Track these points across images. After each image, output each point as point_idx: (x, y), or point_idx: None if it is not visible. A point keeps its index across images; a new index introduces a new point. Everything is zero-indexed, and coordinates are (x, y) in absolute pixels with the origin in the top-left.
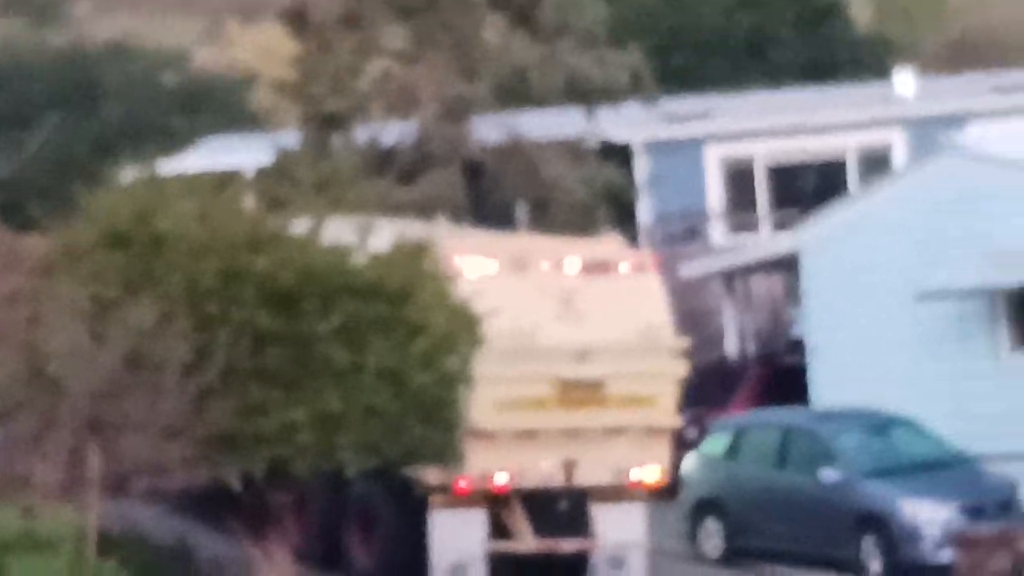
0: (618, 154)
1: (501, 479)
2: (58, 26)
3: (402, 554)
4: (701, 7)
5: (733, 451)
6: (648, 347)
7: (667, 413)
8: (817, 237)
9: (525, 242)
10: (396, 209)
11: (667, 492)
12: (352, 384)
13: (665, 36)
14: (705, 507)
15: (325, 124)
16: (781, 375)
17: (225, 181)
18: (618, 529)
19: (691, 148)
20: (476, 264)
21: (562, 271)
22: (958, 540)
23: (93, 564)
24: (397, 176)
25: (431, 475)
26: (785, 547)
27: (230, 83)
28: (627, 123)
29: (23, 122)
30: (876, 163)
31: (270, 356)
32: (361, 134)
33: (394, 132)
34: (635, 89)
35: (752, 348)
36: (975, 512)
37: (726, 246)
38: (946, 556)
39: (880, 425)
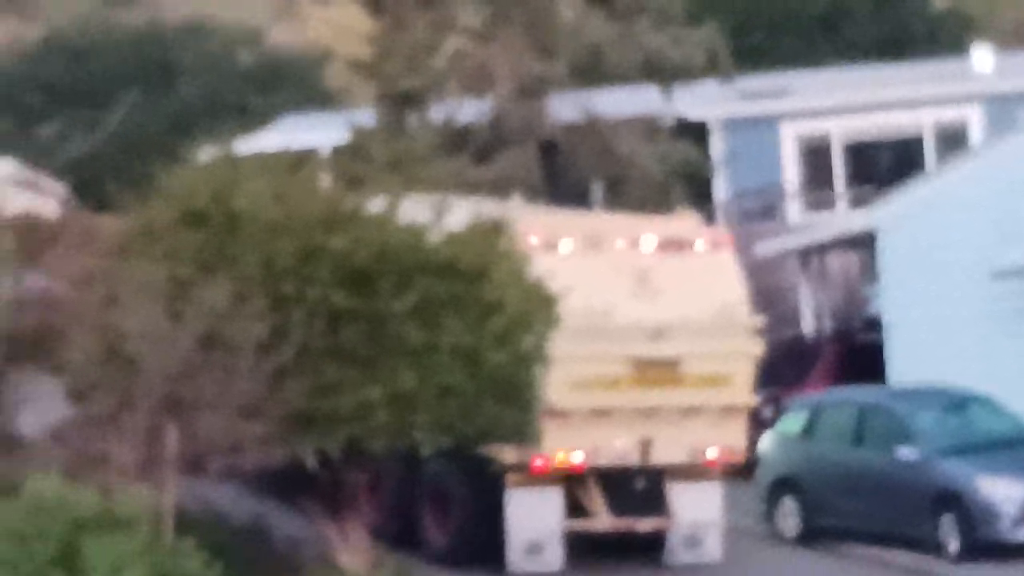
0: (694, 132)
1: (577, 458)
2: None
3: (478, 533)
4: None
5: (809, 430)
6: (724, 326)
7: (743, 392)
8: (893, 215)
9: (600, 220)
10: (471, 188)
11: (744, 471)
12: (427, 363)
13: (740, 14)
14: (782, 486)
15: (400, 102)
16: (857, 353)
17: (301, 160)
18: (694, 508)
19: (767, 125)
20: (551, 243)
21: (637, 249)
22: None
23: (170, 544)
24: (472, 155)
25: (507, 454)
26: (862, 526)
27: (305, 61)
28: (703, 101)
29: (100, 101)
30: (953, 140)
31: (345, 335)
32: (436, 112)
33: (470, 110)
34: (711, 67)
35: (828, 326)
36: None
37: (802, 224)
38: None
39: (956, 403)
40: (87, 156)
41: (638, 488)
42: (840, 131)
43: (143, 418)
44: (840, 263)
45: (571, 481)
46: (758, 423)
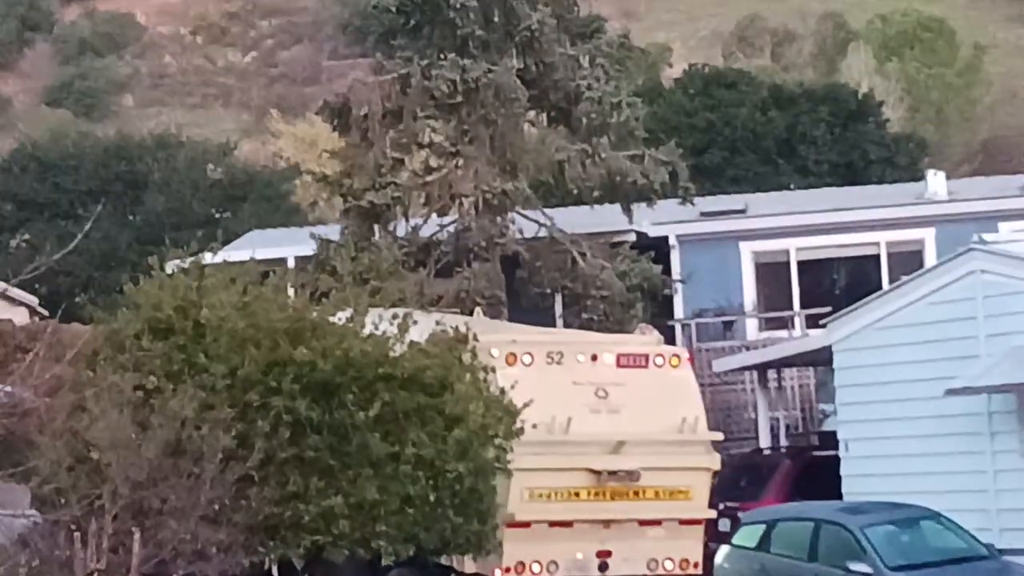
0: (654, 249)
1: (536, 569)
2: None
3: None
4: (736, 106)
5: (764, 543)
6: (682, 440)
7: (700, 505)
8: (848, 333)
9: (561, 335)
10: (435, 301)
11: None
12: (389, 473)
13: (701, 135)
14: None
15: (366, 217)
16: (813, 468)
17: (267, 272)
18: None
19: (726, 244)
20: (513, 356)
21: (598, 364)
22: None
23: None
24: (436, 269)
25: (467, 565)
26: None
27: (272, 176)
28: (663, 219)
29: (69, 212)
30: (908, 260)
31: (309, 445)
32: (401, 227)
33: (433, 225)
34: (671, 186)
35: (784, 442)
36: None
37: (759, 341)
38: None
39: (910, 519)
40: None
41: None
42: (798, 251)
43: (109, 524)
44: (797, 380)
45: None
46: (715, 536)
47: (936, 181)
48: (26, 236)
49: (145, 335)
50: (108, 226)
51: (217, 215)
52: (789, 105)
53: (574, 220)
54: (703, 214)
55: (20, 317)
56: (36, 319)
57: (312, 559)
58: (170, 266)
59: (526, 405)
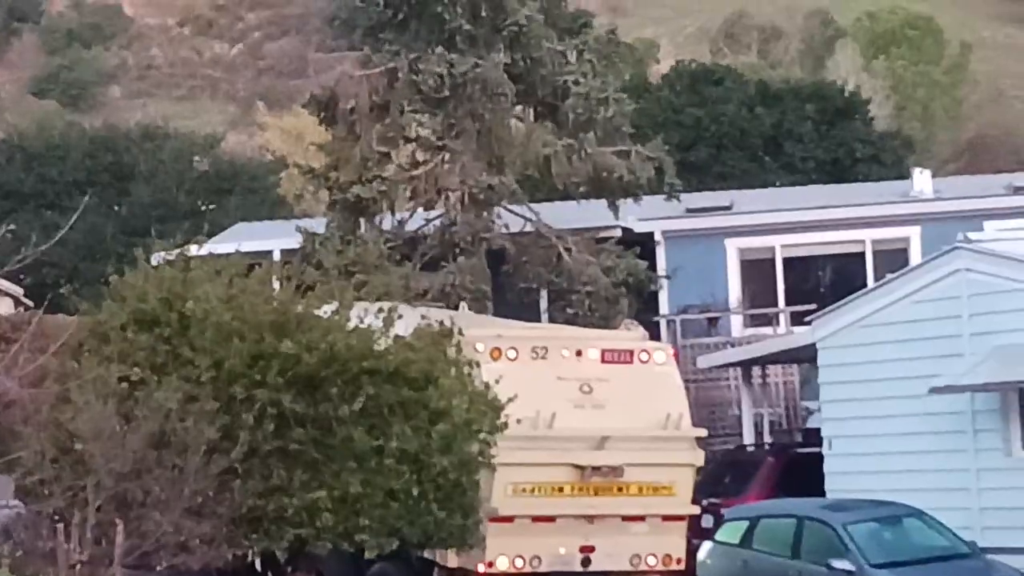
0: (640, 245)
1: (519, 564)
2: (91, 109)
3: None
4: (723, 103)
5: (747, 540)
6: (666, 436)
7: (684, 501)
8: (833, 330)
9: (547, 331)
10: (420, 295)
11: None
12: (373, 467)
13: (688, 131)
14: None
15: (352, 210)
16: (796, 465)
17: (253, 264)
18: None
19: (712, 240)
20: (498, 351)
21: (583, 360)
22: None
23: None
24: (422, 263)
25: (450, 558)
26: None
27: (259, 168)
28: (649, 215)
29: (55, 203)
30: (893, 258)
31: (294, 438)
32: (387, 220)
33: (420, 219)
34: (658, 182)
35: (768, 438)
36: None
37: (744, 337)
38: None
39: (892, 517)
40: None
41: None
42: (783, 248)
43: (92, 516)
44: (781, 376)
45: None
46: (698, 532)
47: (922, 179)
48: (11, 226)
49: (130, 327)
50: (94, 217)
51: (203, 207)
52: (776, 102)
53: (560, 215)
54: (689, 210)
55: (5, 308)
56: (21, 310)
57: (295, 552)
58: (155, 258)
59: (510, 400)
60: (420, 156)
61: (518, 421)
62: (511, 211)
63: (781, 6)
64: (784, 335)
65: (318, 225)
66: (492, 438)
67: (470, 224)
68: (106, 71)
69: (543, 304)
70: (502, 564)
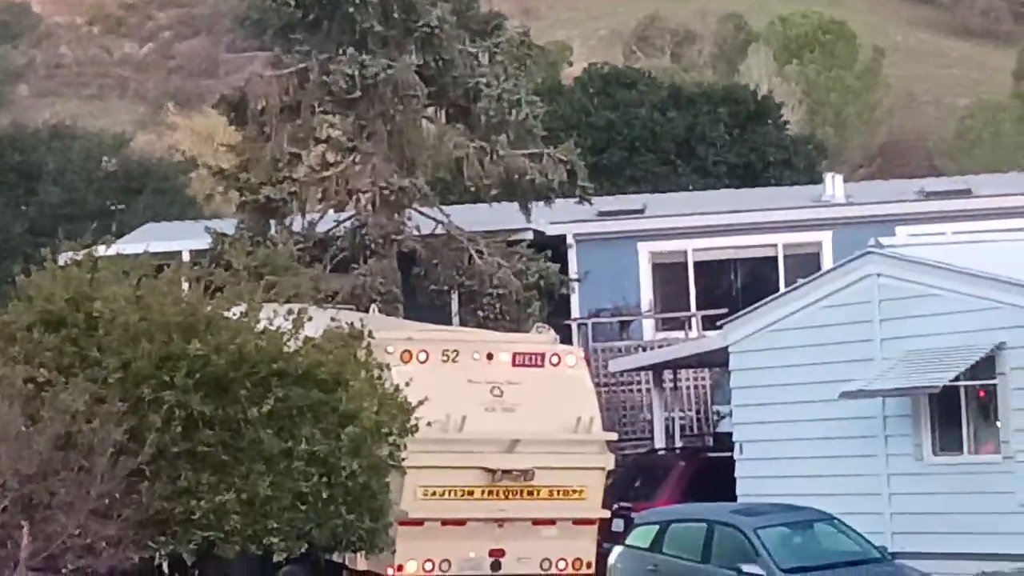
0: (552, 248)
1: (428, 567)
2: None
3: None
4: (635, 106)
5: (658, 544)
6: (576, 440)
7: (594, 505)
8: (745, 335)
9: (457, 333)
10: (330, 297)
11: None
12: (282, 469)
13: (600, 134)
14: None
15: (262, 211)
16: (707, 469)
17: (161, 265)
18: None
19: (624, 244)
20: (408, 354)
21: (493, 363)
22: None
23: None
24: (332, 264)
25: (359, 562)
26: None
27: (168, 169)
28: (562, 217)
29: None
30: (805, 263)
31: (202, 439)
32: (297, 222)
33: (330, 220)
34: (570, 185)
35: (679, 442)
36: None
37: (656, 341)
38: None
39: (803, 522)
40: None
41: None
42: (695, 251)
43: None
44: (693, 380)
45: None
46: (609, 536)
47: (834, 184)
48: None
49: (37, 327)
50: (1, 217)
51: (112, 207)
52: (688, 106)
53: (471, 218)
54: (601, 213)
55: None
56: None
57: (203, 555)
58: (63, 258)
59: (421, 403)
60: (331, 157)
61: (428, 424)
62: (422, 213)
63: (694, 10)
64: (696, 339)
65: (228, 226)
66: (402, 441)
67: (381, 226)
68: (14, 69)
69: (454, 307)
70: (411, 568)
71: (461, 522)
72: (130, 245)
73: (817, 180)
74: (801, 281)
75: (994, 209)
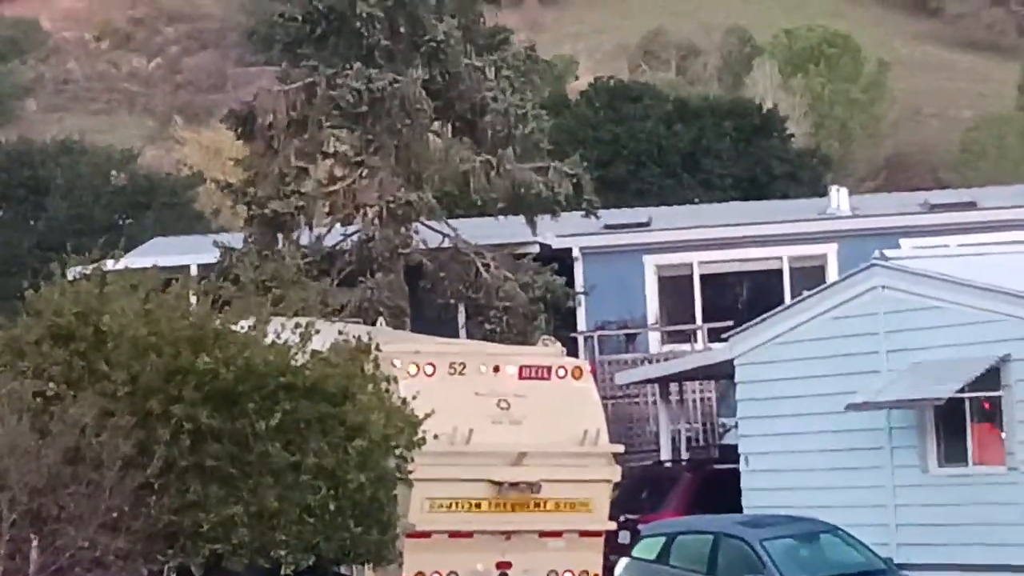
0: (558, 261)
1: None
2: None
3: None
4: (641, 119)
5: (664, 556)
6: (583, 453)
7: (600, 517)
8: (750, 347)
9: (464, 347)
10: (338, 311)
11: None
12: (290, 482)
13: (606, 147)
14: None
15: (269, 225)
16: (713, 481)
17: (169, 279)
18: None
19: (630, 257)
20: (415, 367)
21: (500, 376)
22: None
23: None
24: (339, 278)
25: (367, 574)
26: None
27: (177, 183)
28: (568, 231)
29: None
30: (810, 275)
31: (210, 453)
32: (305, 236)
33: (337, 234)
34: (576, 198)
35: (685, 454)
36: None
37: (662, 354)
38: None
39: (809, 533)
40: None
41: None
42: (701, 264)
43: (6, 531)
44: (698, 393)
45: None
46: (615, 548)
47: (839, 197)
48: None
49: (45, 341)
50: (10, 232)
51: (120, 222)
52: (694, 119)
53: (478, 231)
54: (607, 227)
55: None
56: None
57: (211, 568)
58: (72, 272)
59: (428, 415)
60: (338, 171)
61: (435, 437)
62: (429, 227)
63: (699, 23)
64: (701, 352)
65: (235, 240)
66: (409, 454)
67: (388, 240)
68: (23, 85)
69: (461, 320)
70: None
71: (468, 534)
72: (138, 259)
73: (822, 193)
74: (806, 293)
75: (999, 221)
